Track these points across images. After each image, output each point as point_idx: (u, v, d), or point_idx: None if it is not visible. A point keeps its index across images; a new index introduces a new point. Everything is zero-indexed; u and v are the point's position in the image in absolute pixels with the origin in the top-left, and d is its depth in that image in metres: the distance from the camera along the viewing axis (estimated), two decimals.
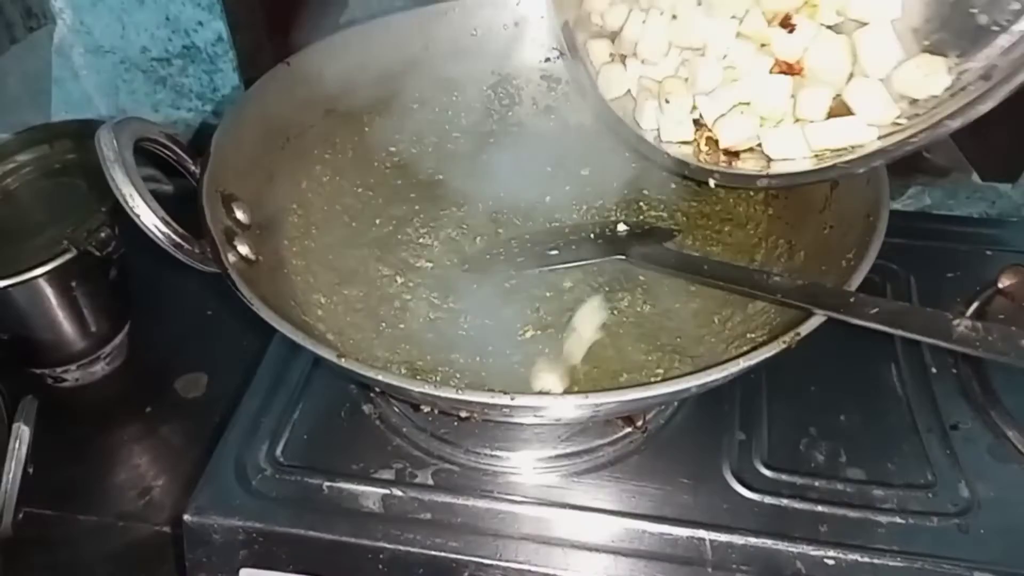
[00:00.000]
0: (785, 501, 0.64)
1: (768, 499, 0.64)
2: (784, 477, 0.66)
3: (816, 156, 0.59)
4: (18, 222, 0.84)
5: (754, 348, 0.52)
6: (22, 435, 0.66)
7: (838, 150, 0.58)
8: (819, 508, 0.63)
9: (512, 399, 0.49)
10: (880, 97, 0.56)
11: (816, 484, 0.65)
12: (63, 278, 0.81)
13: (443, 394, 0.50)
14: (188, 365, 0.92)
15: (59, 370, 0.89)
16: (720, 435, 0.68)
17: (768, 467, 0.66)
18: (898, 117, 0.56)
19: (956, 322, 0.47)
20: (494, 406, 0.50)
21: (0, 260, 0.79)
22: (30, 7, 0.99)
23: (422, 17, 0.82)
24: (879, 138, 0.56)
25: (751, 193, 0.75)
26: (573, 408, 0.51)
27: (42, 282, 0.79)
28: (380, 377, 0.51)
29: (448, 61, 0.83)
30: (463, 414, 0.55)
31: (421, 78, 0.83)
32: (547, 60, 0.85)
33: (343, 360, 0.52)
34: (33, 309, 0.82)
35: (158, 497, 0.81)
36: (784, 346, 0.51)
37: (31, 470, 0.68)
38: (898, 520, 0.62)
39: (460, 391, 0.50)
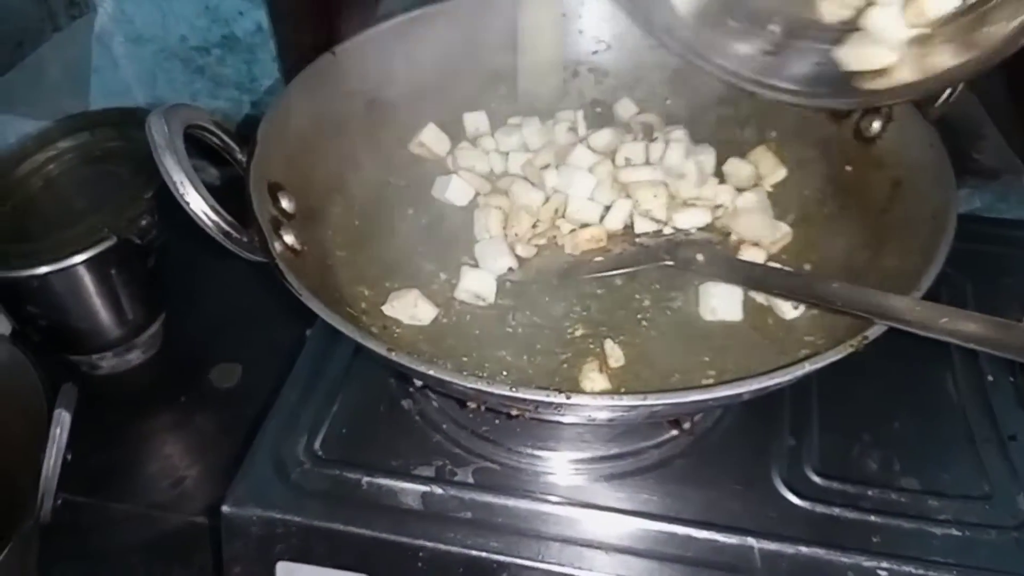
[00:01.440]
0: (837, 510, 0.62)
1: (819, 507, 0.62)
2: (836, 485, 0.64)
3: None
4: (58, 209, 0.84)
5: (816, 353, 0.51)
6: (63, 421, 0.65)
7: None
8: (872, 518, 0.62)
9: (568, 398, 0.48)
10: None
11: (869, 493, 0.63)
12: (102, 265, 0.80)
13: (496, 391, 0.49)
14: (223, 355, 0.91)
15: (94, 357, 0.88)
16: (769, 440, 0.67)
17: (819, 474, 0.65)
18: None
19: None
20: (548, 404, 0.49)
21: (40, 247, 0.79)
22: None
23: (468, 8, 0.80)
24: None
25: (804, 192, 0.73)
26: (629, 409, 0.50)
27: (81, 269, 0.79)
28: (432, 372, 0.50)
29: (494, 53, 0.82)
30: (513, 412, 0.53)
31: (466, 70, 0.81)
32: (594, 52, 0.84)
33: (392, 354, 0.51)
34: (71, 296, 0.81)
35: (190, 487, 0.81)
36: (851, 350, 0.50)
37: (69, 457, 0.67)
38: (954, 532, 0.61)
39: (514, 388, 0.48)
